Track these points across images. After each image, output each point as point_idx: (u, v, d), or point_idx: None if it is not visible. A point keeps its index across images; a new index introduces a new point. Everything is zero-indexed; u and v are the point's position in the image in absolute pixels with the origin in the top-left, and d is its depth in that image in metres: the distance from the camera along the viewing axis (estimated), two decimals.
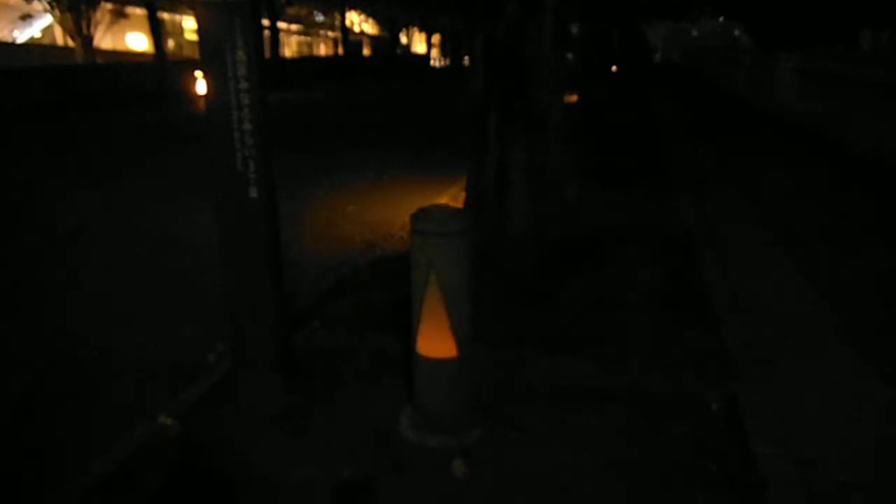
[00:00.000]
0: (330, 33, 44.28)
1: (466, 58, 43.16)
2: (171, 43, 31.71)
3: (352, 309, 4.01)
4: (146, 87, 19.06)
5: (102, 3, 22.79)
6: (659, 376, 3.19)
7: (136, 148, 11.08)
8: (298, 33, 42.87)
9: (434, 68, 45.93)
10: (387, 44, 41.97)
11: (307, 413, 2.90)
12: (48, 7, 20.87)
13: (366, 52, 44.47)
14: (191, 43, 31.66)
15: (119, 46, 28.91)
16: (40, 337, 3.91)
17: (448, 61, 50.19)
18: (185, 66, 20.58)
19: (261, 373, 2.93)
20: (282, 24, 32.86)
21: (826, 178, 8.58)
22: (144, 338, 3.85)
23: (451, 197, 6.59)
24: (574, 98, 9.09)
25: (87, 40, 21.17)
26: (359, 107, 19.02)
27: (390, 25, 40.15)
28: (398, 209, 6.47)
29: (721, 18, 35.99)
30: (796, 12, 16.62)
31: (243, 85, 2.58)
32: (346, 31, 36.63)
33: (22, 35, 26.70)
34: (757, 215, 6.52)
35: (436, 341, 2.57)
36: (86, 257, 5.33)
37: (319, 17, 42.17)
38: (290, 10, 35.42)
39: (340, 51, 37.38)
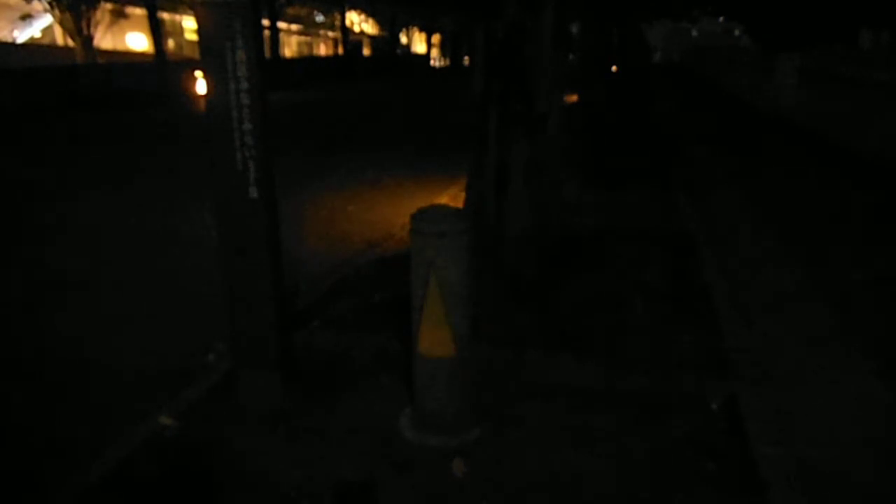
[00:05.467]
0: (330, 33, 44.27)
1: (466, 58, 43.23)
2: (171, 43, 31.69)
3: (352, 309, 4.02)
4: (146, 86, 19.05)
5: (102, 3, 22.80)
6: (659, 376, 3.19)
7: (136, 148, 11.08)
8: (298, 33, 42.85)
9: (434, 68, 45.93)
10: (387, 44, 41.97)
11: (307, 413, 2.90)
12: (48, 7, 20.89)
13: (366, 51, 44.46)
14: (191, 43, 31.64)
15: (119, 46, 28.86)
16: (39, 337, 3.91)
17: (448, 61, 50.19)
18: (185, 66, 20.59)
19: (261, 373, 2.93)
20: (282, 24, 32.86)
21: (825, 177, 8.57)
22: (144, 337, 3.85)
23: (451, 197, 6.59)
24: (574, 98, 9.08)
25: (87, 40, 21.20)
26: (359, 107, 19.02)
27: (390, 25, 40.16)
28: (398, 209, 6.47)
29: (721, 19, 35.98)
30: (796, 12, 16.61)
31: (243, 85, 2.58)
32: (346, 31, 36.64)
33: (22, 35, 26.68)
34: (756, 215, 6.53)
35: (436, 341, 2.57)
36: (86, 256, 5.33)
37: (319, 17, 42.17)
38: (290, 10, 35.44)
39: (340, 51, 37.39)
